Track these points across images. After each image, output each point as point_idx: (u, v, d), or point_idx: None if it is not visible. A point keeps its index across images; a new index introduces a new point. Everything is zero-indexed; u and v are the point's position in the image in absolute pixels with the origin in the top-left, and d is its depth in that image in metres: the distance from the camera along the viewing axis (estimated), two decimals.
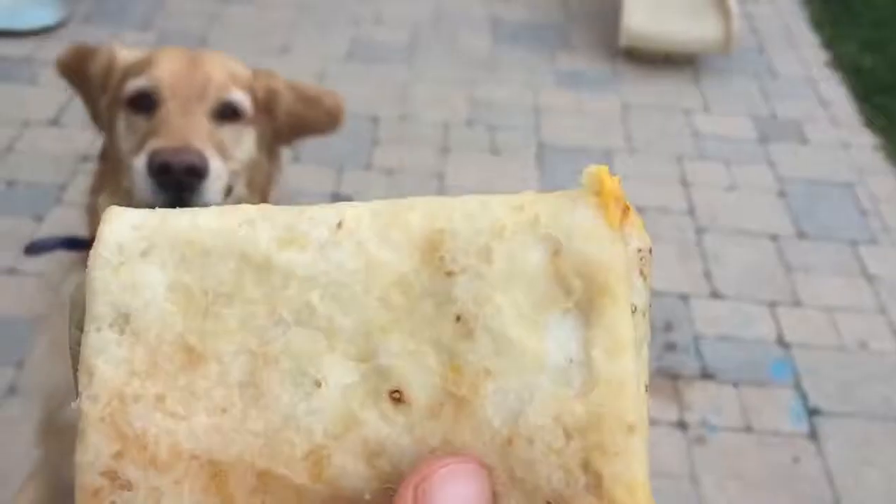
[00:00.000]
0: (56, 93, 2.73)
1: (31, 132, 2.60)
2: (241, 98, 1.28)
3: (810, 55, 3.40)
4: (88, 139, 1.47)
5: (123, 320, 0.31)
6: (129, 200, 1.21)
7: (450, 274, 0.31)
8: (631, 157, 2.79)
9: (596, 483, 0.29)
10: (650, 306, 0.33)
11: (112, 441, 0.30)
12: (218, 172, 1.19)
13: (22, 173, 2.46)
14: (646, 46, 3.20)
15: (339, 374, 0.31)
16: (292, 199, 1.49)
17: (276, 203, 1.40)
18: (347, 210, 0.32)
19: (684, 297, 2.28)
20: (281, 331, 0.31)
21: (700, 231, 2.51)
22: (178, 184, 1.15)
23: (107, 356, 0.31)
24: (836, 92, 3.18)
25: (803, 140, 2.93)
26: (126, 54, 1.32)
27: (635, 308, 0.31)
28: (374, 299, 0.31)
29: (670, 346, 2.15)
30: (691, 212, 2.57)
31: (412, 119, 2.84)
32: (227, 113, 1.26)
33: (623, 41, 3.17)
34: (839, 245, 2.50)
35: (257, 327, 0.31)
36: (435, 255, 0.31)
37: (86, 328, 0.31)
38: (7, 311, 2.05)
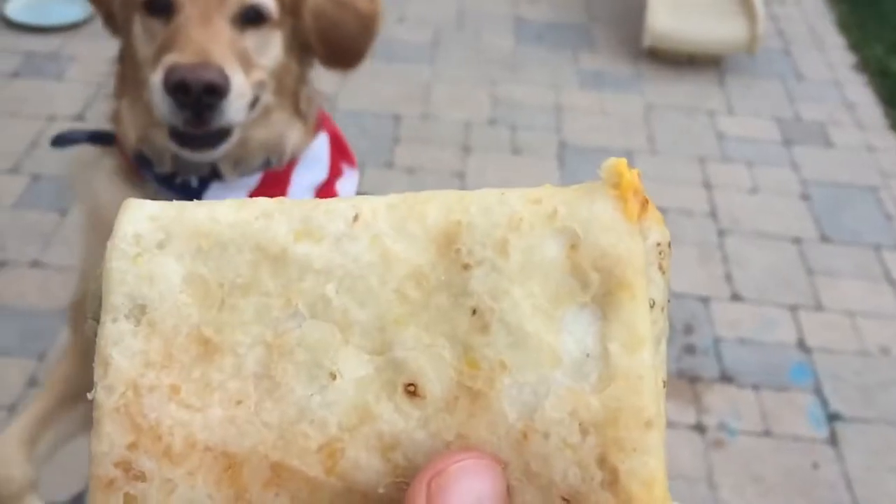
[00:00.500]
0: (82, 88, 2.75)
1: (56, 127, 2.61)
2: None
3: (836, 57, 3.37)
4: None
5: (139, 311, 0.31)
6: (150, 112, 1.13)
7: (466, 267, 0.31)
8: (653, 158, 2.77)
9: (612, 479, 0.29)
10: (669, 301, 0.32)
11: (126, 432, 0.30)
12: (240, 89, 1.10)
13: (47, 168, 2.47)
14: (670, 47, 3.18)
15: (354, 366, 0.31)
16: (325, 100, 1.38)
17: (308, 101, 1.29)
18: (364, 203, 0.32)
19: (705, 300, 2.27)
20: (296, 323, 0.31)
21: (722, 233, 2.49)
22: (197, 102, 1.07)
23: (122, 347, 0.31)
24: (862, 95, 3.16)
25: (828, 143, 2.90)
26: None
27: (653, 302, 0.31)
28: (389, 292, 0.31)
29: (690, 349, 2.13)
30: (713, 214, 2.56)
31: (434, 118, 2.84)
32: (250, 16, 1.14)
33: (647, 41, 3.16)
34: (862, 249, 2.48)
35: (273, 319, 0.31)
36: (451, 248, 0.31)
37: (102, 319, 0.31)
38: (31, 304, 2.06)
